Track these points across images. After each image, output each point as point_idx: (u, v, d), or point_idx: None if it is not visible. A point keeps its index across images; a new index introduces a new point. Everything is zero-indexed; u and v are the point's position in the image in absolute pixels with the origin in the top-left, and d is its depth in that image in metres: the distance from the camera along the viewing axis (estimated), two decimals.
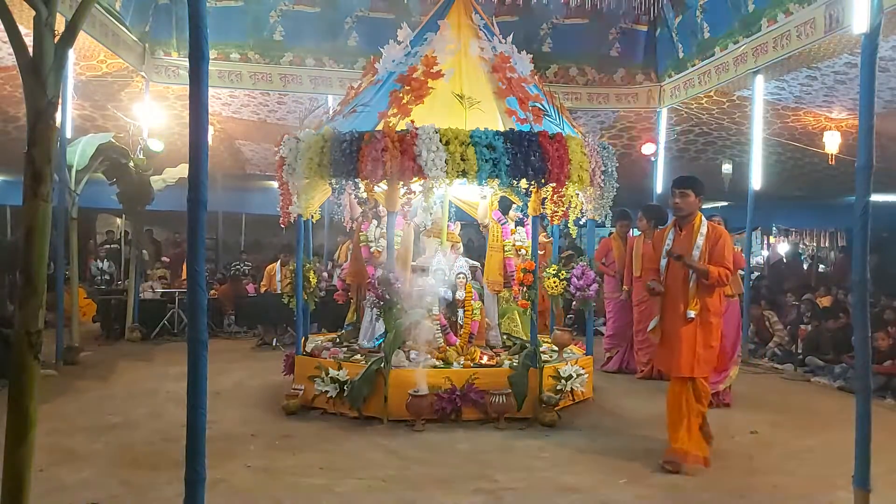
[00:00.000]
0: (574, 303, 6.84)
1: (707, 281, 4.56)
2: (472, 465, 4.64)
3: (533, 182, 5.59)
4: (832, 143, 10.85)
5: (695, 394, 4.64)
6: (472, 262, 6.91)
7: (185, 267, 12.07)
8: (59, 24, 2.45)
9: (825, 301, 10.23)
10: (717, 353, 4.77)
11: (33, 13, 2.44)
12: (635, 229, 8.57)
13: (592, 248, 7.52)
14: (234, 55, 10.81)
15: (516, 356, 6.14)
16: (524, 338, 6.73)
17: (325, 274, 9.34)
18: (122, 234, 15.05)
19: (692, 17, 10.16)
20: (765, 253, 18.23)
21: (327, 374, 5.77)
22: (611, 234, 8.70)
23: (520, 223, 7.09)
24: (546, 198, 5.86)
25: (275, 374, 6.88)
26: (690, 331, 4.61)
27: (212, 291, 10.83)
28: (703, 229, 4.69)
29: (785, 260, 17.78)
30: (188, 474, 2.86)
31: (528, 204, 5.99)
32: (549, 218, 6.26)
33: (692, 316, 4.60)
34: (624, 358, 8.00)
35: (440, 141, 5.30)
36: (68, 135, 7.94)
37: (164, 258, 13.08)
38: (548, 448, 5.04)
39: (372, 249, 6.77)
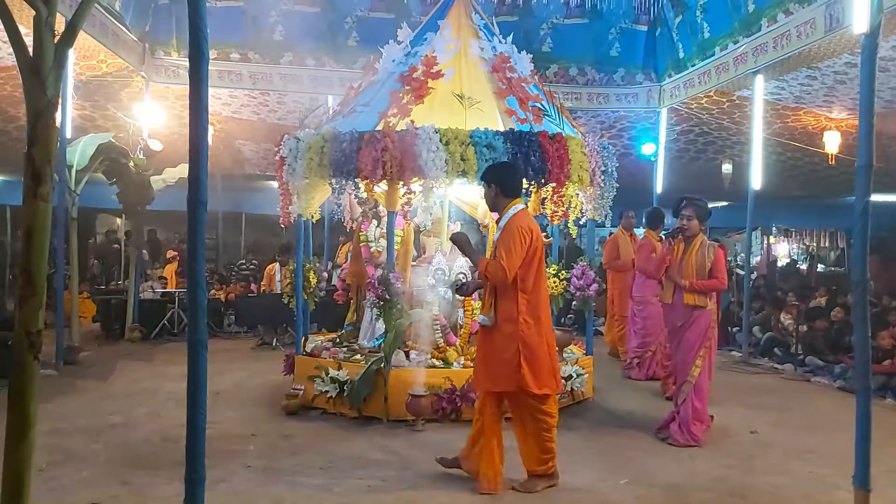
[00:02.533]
0: (574, 303, 6.84)
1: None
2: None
3: (533, 182, 5.59)
4: (832, 142, 10.86)
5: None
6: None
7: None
8: (59, 24, 2.45)
9: (823, 302, 10.23)
10: (513, 366, 4.02)
11: (33, 13, 2.44)
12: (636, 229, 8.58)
13: (593, 247, 7.54)
14: (234, 55, 10.80)
15: None
16: None
17: (325, 274, 9.34)
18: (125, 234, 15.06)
19: (692, 17, 10.16)
20: (755, 259, 17.05)
21: (327, 374, 5.77)
22: (611, 233, 8.71)
23: None
24: (546, 198, 5.86)
25: (275, 374, 6.88)
26: (483, 340, 4.21)
27: (212, 292, 10.84)
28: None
29: (778, 263, 17.74)
30: (188, 474, 2.85)
31: (528, 204, 5.98)
32: (549, 218, 6.26)
33: (483, 321, 4.17)
34: (650, 364, 7.52)
35: (440, 141, 5.31)
36: (68, 135, 7.93)
37: (170, 252, 13.03)
38: None
39: (372, 249, 6.77)
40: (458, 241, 4.27)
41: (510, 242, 4.02)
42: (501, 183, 4.23)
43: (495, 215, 4.39)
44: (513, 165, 4.80)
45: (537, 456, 4.18)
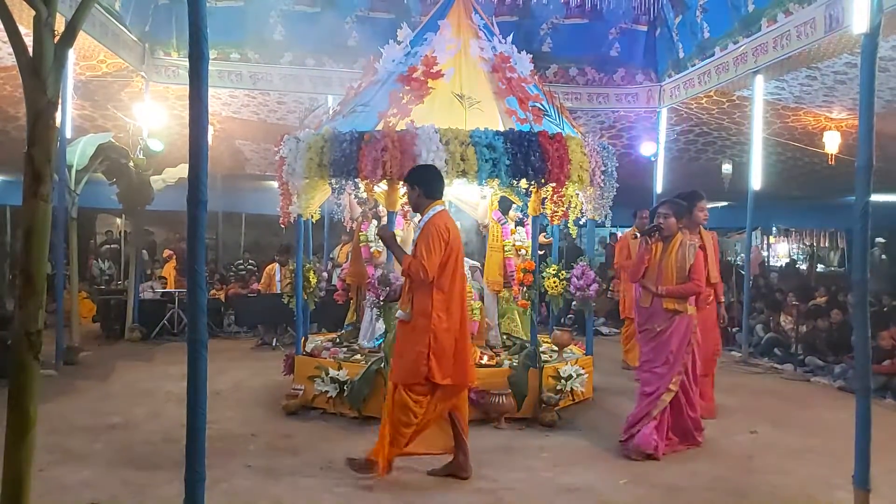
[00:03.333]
0: (574, 303, 6.84)
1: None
2: (472, 465, 4.63)
3: (533, 182, 5.59)
4: (832, 143, 10.86)
5: (395, 402, 4.24)
6: (472, 262, 6.91)
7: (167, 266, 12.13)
8: (59, 24, 2.45)
9: (823, 302, 10.24)
10: (423, 357, 4.14)
11: (33, 13, 2.44)
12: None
13: (593, 248, 7.53)
14: (234, 55, 10.80)
15: (516, 356, 6.14)
16: (524, 338, 6.73)
17: (325, 274, 9.34)
18: (122, 234, 15.07)
19: (692, 17, 10.16)
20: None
21: (327, 374, 5.77)
22: (612, 235, 8.68)
23: (520, 223, 7.09)
24: (546, 198, 5.86)
25: (275, 374, 6.87)
26: (400, 334, 4.34)
27: (212, 292, 10.84)
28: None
29: (770, 262, 17.71)
30: (188, 474, 2.86)
31: (528, 204, 5.99)
32: (549, 218, 6.26)
33: (401, 316, 4.31)
34: None
35: (440, 141, 5.31)
36: (68, 135, 7.93)
37: (166, 251, 13.01)
38: (548, 448, 5.04)
39: (372, 249, 6.77)
40: (384, 237, 4.46)
41: (430, 242, 4.15)
42: (424, 185, 4.36)
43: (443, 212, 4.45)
44: (435, 168, 4.74)
45: (385, 440, 4.27)
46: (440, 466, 4.41)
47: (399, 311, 4.37)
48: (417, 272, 4.13)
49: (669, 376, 4.95)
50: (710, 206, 6.23)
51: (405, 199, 5.57)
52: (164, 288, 11.02)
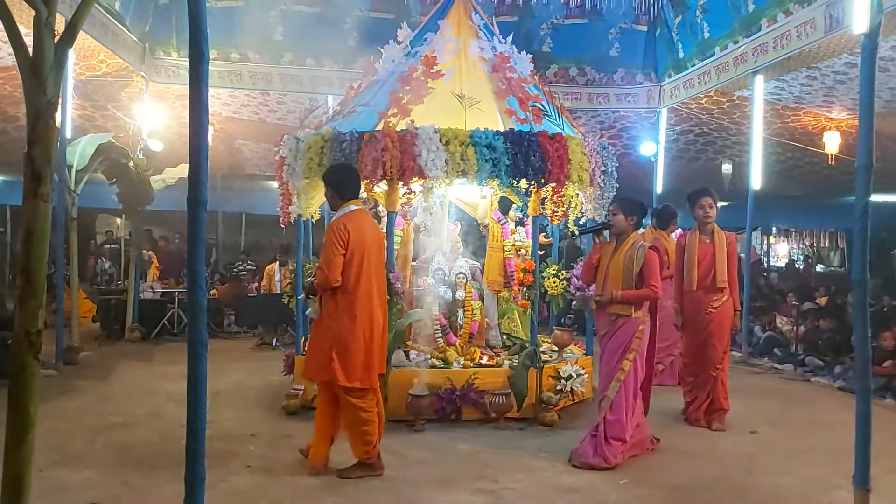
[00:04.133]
0: (574, 303, 6.83)
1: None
2: (472, 465, 4.64)
3: (533, 182, 5.59)
4: (832, 143, 10.86)
5: (343, 408, 4.31)
6: (472, 262, 6.91)
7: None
8: (59, 24, 2.45)
9: (824, 302, 10.24)
10: (327, 358, 4.17)
11: (33, 13, 2.44)
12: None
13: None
14: (234, 55, 10.80)
15: (516, 356, 6.14)
16: (524, 338, 6.73)
17: None
18: (124, 236, 15.06)
19: (692, 17, 10.16)
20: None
21: None
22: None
23: (520, 223, 7.09)
24: (546, 198, 5.86)
25: (275, 374, 6.88)
26: (312, 332, 4.42)
27: (212, 291, 10.83)
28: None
29: (763, 262, 17.70)
30: (188, 474, 2.85)
31: (528, 204, 5.99)
32: (549, 218, 6.25)
33: (310, 314, 4.38)
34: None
35: (440, 141, 5.31)
36: (68, 135, 7.93)
37: (147, 252, 12.97)
38: (548, 448, 5.04)
39: None
40: (307, 291, 4.49)
41: (326, 246, 4.19)
42: (336, 184, 4.39)
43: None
44: (351, 168, 4.71)
45: (357, 444, 4.34)
46: (348, 467, 4.40)
47: (309, 310, 4.44)
48: (323, 281, 4.15)
49: (605, 383, 4.74)
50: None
51: (405, 199, 5.57)
52: (164, 288, 11.02)
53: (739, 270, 6.29)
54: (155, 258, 12.17)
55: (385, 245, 4.58)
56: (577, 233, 5.79)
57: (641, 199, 5.01)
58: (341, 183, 4.39)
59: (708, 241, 5.74)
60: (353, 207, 4.34)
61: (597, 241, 4.98)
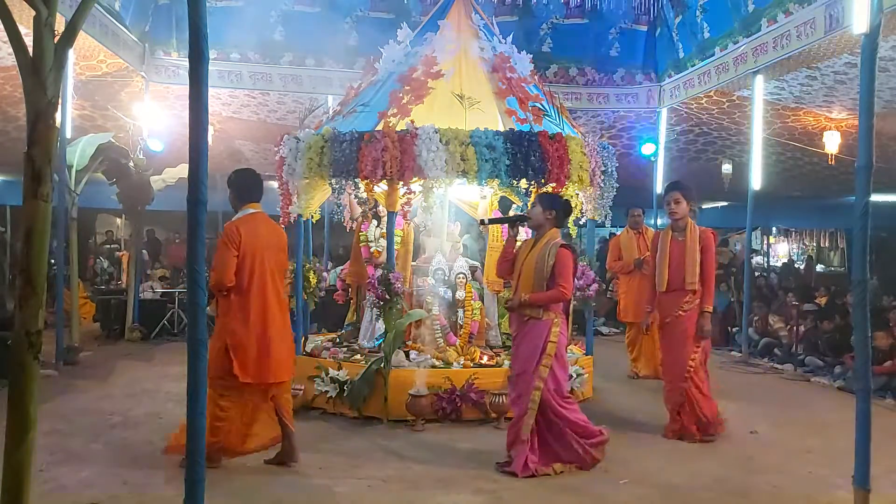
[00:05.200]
0: (574, 303, 6.82)
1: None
2: (472, 465, 4.64)
3: (533, 182, 5.59)
4: (832, 143, 10.86)
5: (209, 395, 4.32)
6: (472, 262, 6.91)
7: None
8: (59, 24, 2.45)
9: (824, 302, 10.24)
10: (219, 357, 4.24)
11: (33, 13, 2.44)
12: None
13: (592, 248, 7.52)
14: (234, 55, 10.80)
15: None
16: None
17: (325, 274, 9.35)
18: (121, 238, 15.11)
19: (692, 17, 10.16)
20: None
21: (327, 374, 5.77)
22: (612, 235, 8.62)
23: None
24: None
25: None
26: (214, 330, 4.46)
27: None
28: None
29: (768, 264, 17.70)
30: (188, 474, 2.86)
31: (528, 204, 5.98)
32: None
33: (209, 313, 4.34)
34: None
35: (440, 141, 5.31)
36: (68, 135, 7.93)
37: (122, 254, 13.01)
38: None
39: (372, 249, 6.77)
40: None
41: (218, 248, 4.29)
42: (238, 188, 4.51)
43: None
44: (253, 173, 4.70)
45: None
46: (273, 456, 4.51)
47: (207, 308, 4.44)
48: (216, 283, 4.23)
49: (528, 391, 4.46)
50: (709, 205, 6.21)
51: (405, 199, 5.57)
52: (166, 287, 11.02)
53: (732, 269, 6.23)
54: (130, 259, 12.17)
55: (285, 247, 4.62)
56: (485, 221, 5.43)
57: (567, 198, 4.93)
58: (241, 187, 4.51)
59: (681, 239, 5.34)
60: (250, 211, 4.45)
61: (510, 233, 4.75)
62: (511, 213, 6.99)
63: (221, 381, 4.29)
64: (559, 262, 4.42)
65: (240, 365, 4.26)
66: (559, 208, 4.61)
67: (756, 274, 12.98)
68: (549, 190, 5.68)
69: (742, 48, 8.93)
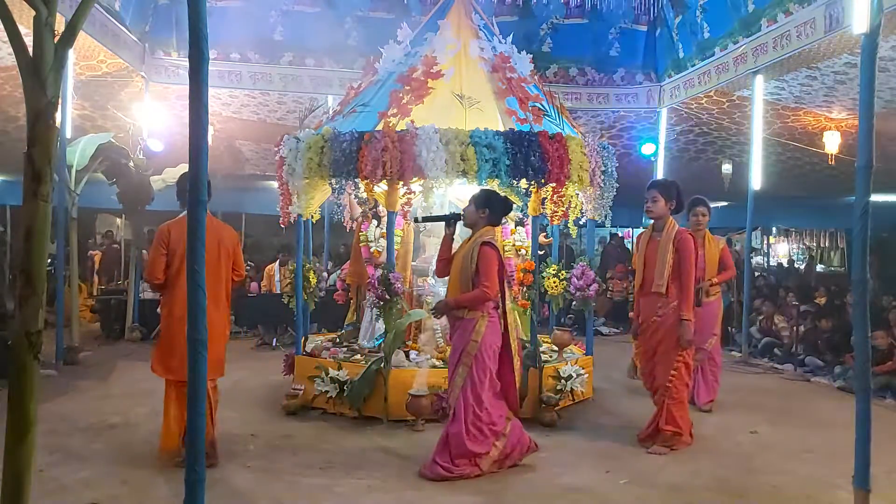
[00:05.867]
0: (574, 303, 6.83)
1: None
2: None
3: (533, 182, 5.59)
4: (832, 143, 10.86)
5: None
6: None
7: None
8: (59, 24, 2.45)
9: (824, 302, 10.23)
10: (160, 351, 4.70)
11: (33, 13, 2.44)
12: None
13: (593, 248, 7.51)
14: (234, 55, 10.81)
15: None
16: (524, 338, 6.72)
17: (326, 274, 9.36)
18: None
19: (692, 17, 10.16)
20: None
21: (327, 374, 5.77)
22: (613, 235, 8.58)
23: (520, 223, 7.09)
24: (546, 198, 5.86)
25: (275, 374, 6.87)
26: None
27: None
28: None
29: (768, 264, 17.65)
30: (188, 474, 2.85)
31: (528, 204, 5.99)
32: (549, 218, 6.26)
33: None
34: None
35: (440, 141, 5.31)
36: (68, 135, 7.93)
37: (94, 253, 13.07)
38: (548, 448, 5.03)
39: (372, 249, 6.77)
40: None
41: (150, 248, 4.62)
42: (181, 191, 4.73)
43: None
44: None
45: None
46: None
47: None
48: (147, 280, 4.65)
49: (449, 389, 4.42)
50: (710, 205, 6.18)
51: (405, 199, 5.57)
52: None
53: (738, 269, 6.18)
54: (102, 257, 12.20)
55: (234, 247, 4.73)
56: (418, 219, 5.31)
57: (504, 196, 4.76)
58: (182, 190, 4.73)
59: (658, 239, 5.06)
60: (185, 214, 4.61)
61: (447, 232, 4.66)
62: (510, 212, 6.99)
63: (163, 377, 4.64)
64: (481, 261, 4.31)
65: (159, 362, 4.60)
66: (492, 206, 4.49)
67: (756, 274, 12.98)
68: (550, 190, 5.68)
69: (742, 48, 8.93)
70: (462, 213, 4.59)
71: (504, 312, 4.48)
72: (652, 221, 5.17)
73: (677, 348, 4.92)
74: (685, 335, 4.88)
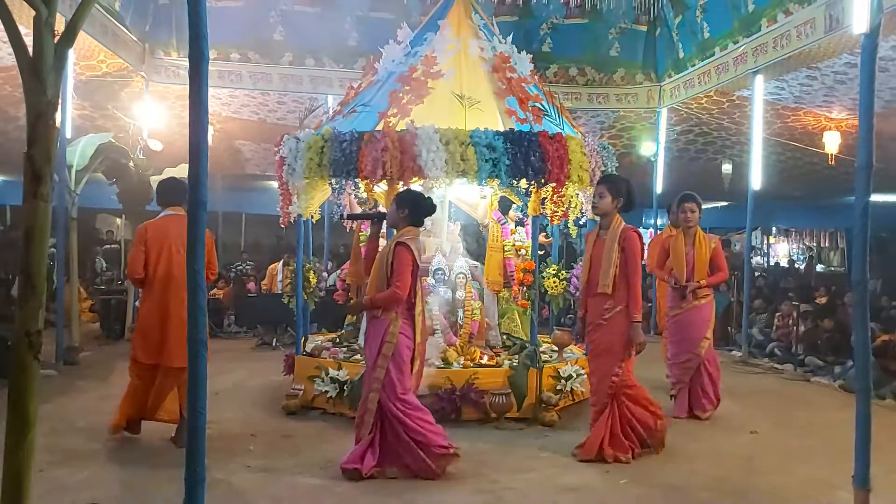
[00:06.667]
0: (574, 303, 6.83)
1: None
2: (472, 465, 4.63)
3: (533, 182, 5.59)
4: (832, 143, 10.87)
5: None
6: (471, 261, 6.91)
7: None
8: (59, 24, 2.45)
9: (824, 302, 10.24)
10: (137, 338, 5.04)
11: (33, 13, 2.44)
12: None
13: None
14: (234, 55, 10.81)
15: (516, 356, 6.14)
16: (524, 338, 6.73)
17: (326, 274, 9.35)
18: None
19: (692, 17, 10.17)
20: None
21: (327, 374, 5.77)
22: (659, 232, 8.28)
23: (520, 223, 7.09)
24: (546, 198, 5.86)
25: (275, 374, 6.87)
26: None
27: (212, 291, 10.84)
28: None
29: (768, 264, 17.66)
30: (188, 474, 2.85)
31: (528, 204, 5.99)
32: (549, 218, 6.25)
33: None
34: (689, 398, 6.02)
35: (440, 141, 5.31)
36: (68, 135, 7.93)
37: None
38: (548, 448, 5.04)
39: None
40: None
41: (131, 248, 5.09)
42: (157, 193, 5.26)
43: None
44: (171, 180, 5.46)
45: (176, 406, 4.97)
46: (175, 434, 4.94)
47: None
48: (128, 275, 5.17)
49: (367, 391, 4.36)
50: (710, 206, 6.19)
51: None
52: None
53: (734, 273, 6.02)
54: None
55: (209, 246, 4.88)
56: (344, 216, 5.43)
57: (423, 194, 4.68)
58: (160, 192, 5.25)
59: (604, 236, 4.85)
60: (167, 213, 5.12)
61: (372, 231, 4.65)
62: (510, 212, 7.00)
63: (134, 363, 4.96)
64: (395, 261, 4.27)
65: (139, 347, 4.96)
66: (412, 206, 4.44)
67: (756, 274, 12.98)
68: (550, 190, 5.67)
69: (742, 48, 8.94)
70: (387, 212, 4.58)
71: (418, 313, 4.43)
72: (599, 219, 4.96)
73: (623, 352, 4.69)
74: (636, 338, 4.66)
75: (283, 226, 6.29)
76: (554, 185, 5.60)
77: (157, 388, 4.90)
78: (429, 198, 4.61)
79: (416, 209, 4.47)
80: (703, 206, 6.21)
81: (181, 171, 9.26)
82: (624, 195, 4.81)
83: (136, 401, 4.96)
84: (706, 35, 9.92)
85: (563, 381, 5.95)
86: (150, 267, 4.90)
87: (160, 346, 4.84)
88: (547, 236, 7.78)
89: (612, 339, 4.73)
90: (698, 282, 5.95)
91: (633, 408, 4.84)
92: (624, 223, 4.83)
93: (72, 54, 7.86)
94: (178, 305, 4.74)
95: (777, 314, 9.49)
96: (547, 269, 6.18)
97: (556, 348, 6.57)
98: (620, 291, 4.72)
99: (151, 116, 10.45)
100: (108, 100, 11.02)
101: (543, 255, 7.25)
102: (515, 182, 5.59)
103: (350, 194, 6.54)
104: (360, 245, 6.85)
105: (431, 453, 4.29)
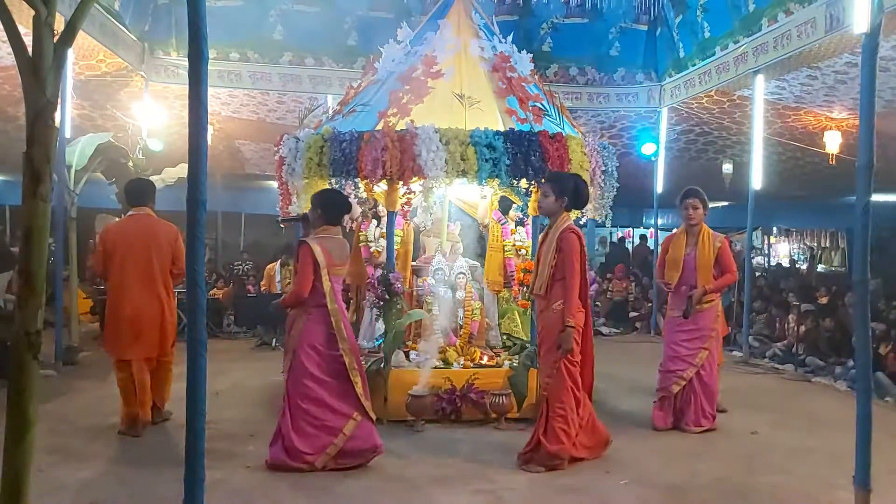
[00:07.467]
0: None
1: None
2: (472, 465, 4.64)
3: (533, 182, 5.59)
4: (832, 142, 10.86)
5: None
6: (471, 261, 6.91)
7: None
8: (59, 24, 2.44)
9: (825, 302, 10.23)
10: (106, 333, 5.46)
11: (33, 13, 2.44)
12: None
13: (593, 248, 7.50)
14: (234, 55, 10.80)
15: (516, 356, 6.13)
16: (524, 338, 6.72)
17: None
18: None
19: (692, 17, 10.16)
20: None
21: None
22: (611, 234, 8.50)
23: (520, 223, 7.08)
24: None
25: (275, 374, 6.87)
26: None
27: (212, 291, 10.84)
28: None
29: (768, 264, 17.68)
30: (188, 474, 2.85)
31: (528, 204, 5.99)
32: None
33: None
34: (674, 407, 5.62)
35: (440, 141, 5.31)
36: (67, 135, 7.92)
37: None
38: None
39: (372, 249, 6.77)
40: None
41: (94, 248, 5.37)
42: (124, 194, 5.47)
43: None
44: (137, 181, 5.65)
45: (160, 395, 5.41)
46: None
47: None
48: (94, 272, 5.61)
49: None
50: (710, 206, 6.13)
51: (405, 199, 5.57)
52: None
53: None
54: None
55: (171, 243, 5.28)
56: (280, 221, 5.87)
57: (339, 193, 4.78)
58: (126, 193, 5.44)
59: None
60: (130, 213, 5.34)
61: (304, 230, 4.64)
62: (510, 212, 6.99)
63: (111, 356, 5.30)
64: (297, 259, 4.39)
65: (107, 341, 5.36)
66: (324, 206, 4.50)
67: (757, 274, 12.98)
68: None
69: (743, 48, 8.93)
70: (307, 214, 4.68)
71: (331, 312, 4.42)
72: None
73: (555, 353, 4.50)
74: (565, 344, 4.40)
75: (282, 226, 6.29)
76: None
77: (140, 383, 5.17)
78: (345, 196, 4.76)
79: (330, 208, 4.54)
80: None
81: (181, 171, 9.28)
82: (569, 194, 4.58)
83: (131, 393, 5.21)
84: (707, 35, 9.91)
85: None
86: (110, 265, 5.16)
87: (123, 338, 5.17)
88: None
89: (547, 340, 4.58)
90: (704, 287, 5.45)
91: (543, 421, 4.57)
92: (569, 223, 4.60)
93: (71, 54, 7.86)
94: (145, 300, 5.13)
95: (776, 319, 9.49)
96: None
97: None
98: (556, 293, 4.51)
99: (151, 116, 10.44)
100: (107, 99, 11.01)
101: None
102: (515, 182, 5.59)
103: (350, 194, 6.53)
104: (361, 245, 6.86)
105: (308, 456, 4.35)
